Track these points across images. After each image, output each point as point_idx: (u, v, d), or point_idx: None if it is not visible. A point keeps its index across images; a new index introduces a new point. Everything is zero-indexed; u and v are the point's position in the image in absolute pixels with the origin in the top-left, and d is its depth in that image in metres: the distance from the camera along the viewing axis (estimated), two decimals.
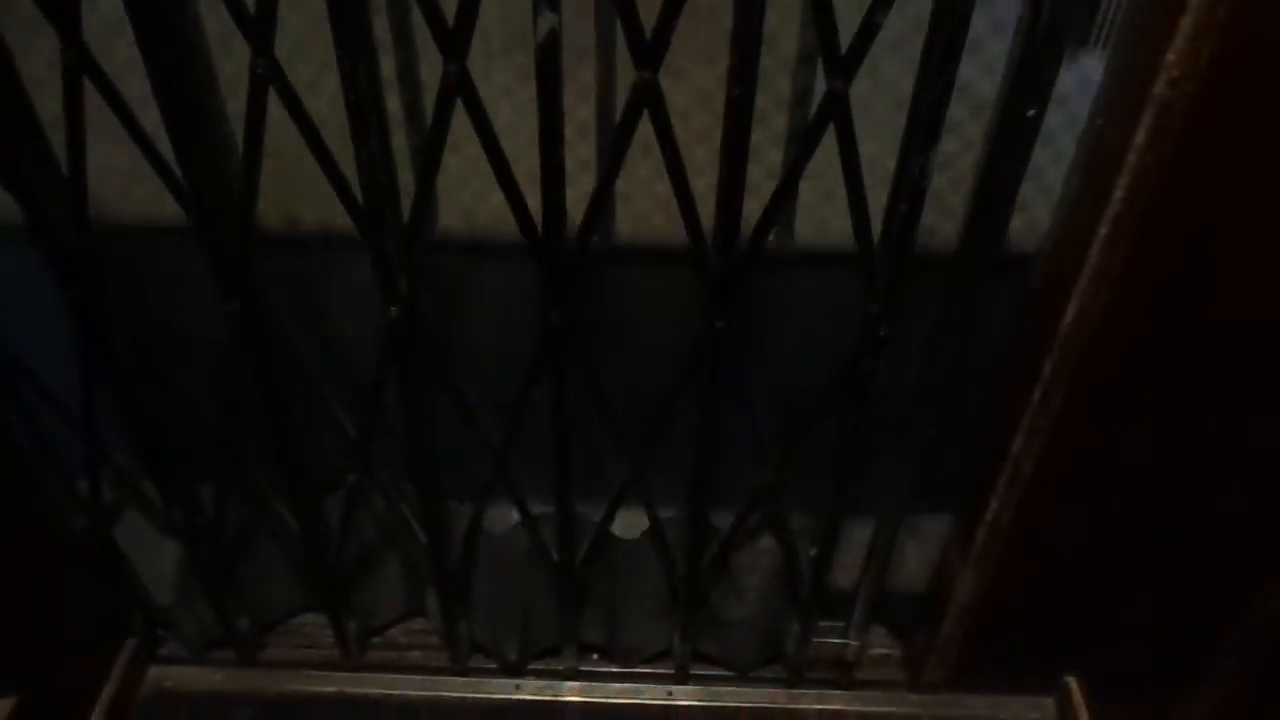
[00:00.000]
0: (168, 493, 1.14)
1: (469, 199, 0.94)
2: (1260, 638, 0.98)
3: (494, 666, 1.33)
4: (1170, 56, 0.72)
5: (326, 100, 0.85)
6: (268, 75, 0.77)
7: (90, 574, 1.21)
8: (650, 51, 0.76)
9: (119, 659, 1.28)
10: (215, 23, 0.83)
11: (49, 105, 0.86)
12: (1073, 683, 1.27)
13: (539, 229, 0.87)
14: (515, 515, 1.16)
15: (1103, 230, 0.81)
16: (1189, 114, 0.74)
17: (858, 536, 1.21)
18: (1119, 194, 0.79)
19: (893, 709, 1.29)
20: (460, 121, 0.80)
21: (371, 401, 1.02)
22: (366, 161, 0.82)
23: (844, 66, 0.77)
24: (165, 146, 0.85)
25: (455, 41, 0.76)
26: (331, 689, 1.31)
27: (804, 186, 0.90)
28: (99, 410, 1.06)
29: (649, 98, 0.78)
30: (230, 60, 0.85)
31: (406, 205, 0.88)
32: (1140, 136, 0.76)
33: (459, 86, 0.77)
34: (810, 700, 1.30)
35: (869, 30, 0.74)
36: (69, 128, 0.84)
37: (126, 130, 0.84)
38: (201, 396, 1.06)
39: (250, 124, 0.81)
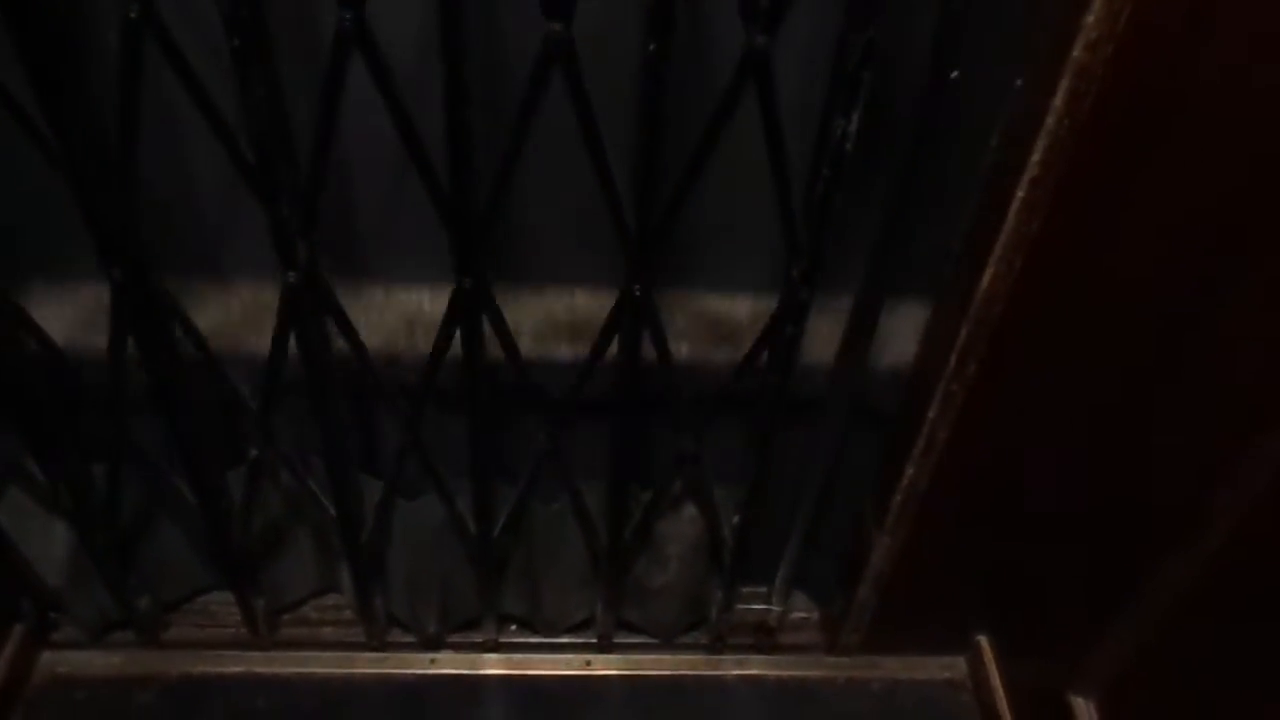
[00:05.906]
0: (53, 472, 1.07)
1: None
2: (1162, 598, 1.01)
3: (411, 641, 1.29)
4: (1089, 18, 0.71)
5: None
6: (141, 19, 0.70)
7: None
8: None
9: (6, 646, 1.21)
10: None
11: None
12: (983, 641, 1.30)
13: (447, 192, 0.83)
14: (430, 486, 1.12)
15: (1020, 194, 0.80)
16: (1106, 78, 0.73)
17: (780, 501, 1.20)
18: (1036, 158, 0.78)
19: (810, 672, 1.30)
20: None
21: (271, 370, 0.97)
22: (256, 107, 0.76)
23: (765, 20, 0.74)
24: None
25: None
26: (240, 669, 1.26)
27: None
28: None
29: (560, 52, 0.74)
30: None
31: None
32: (1059, 100, 0.75)
33: (355, 35, 0.72)
34: (730, 666, 1.31)
35: None
36: None
37: None
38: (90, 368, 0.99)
39: (125, 75, 0.74)
